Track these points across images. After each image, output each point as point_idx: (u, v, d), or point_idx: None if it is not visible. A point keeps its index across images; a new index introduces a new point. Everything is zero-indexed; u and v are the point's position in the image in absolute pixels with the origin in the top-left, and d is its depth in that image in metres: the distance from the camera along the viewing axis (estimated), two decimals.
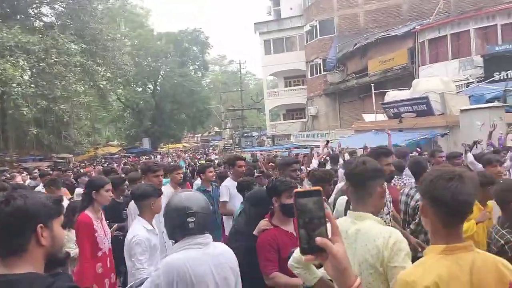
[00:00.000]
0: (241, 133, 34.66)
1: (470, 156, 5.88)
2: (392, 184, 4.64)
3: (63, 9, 25.77)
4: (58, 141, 25.71)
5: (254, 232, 2.93)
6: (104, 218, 3.88)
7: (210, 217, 2.36)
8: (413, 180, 4.65)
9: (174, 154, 28.01)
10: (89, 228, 3.59)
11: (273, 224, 2.86)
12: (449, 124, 11.93)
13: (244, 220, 3.27)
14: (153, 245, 3.17)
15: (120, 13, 37.84)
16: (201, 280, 2.12)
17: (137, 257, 3.01)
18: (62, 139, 26.00)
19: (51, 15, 26.41)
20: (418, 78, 17.26)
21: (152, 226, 3.29)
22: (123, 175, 7.19)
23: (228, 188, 5.18)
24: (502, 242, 2.51)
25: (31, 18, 26.53)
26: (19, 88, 18.57)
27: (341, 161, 8.07)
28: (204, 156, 27.95)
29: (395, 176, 4.98)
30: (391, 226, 2.96)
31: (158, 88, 44.93)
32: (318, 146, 10.15)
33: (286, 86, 33.92)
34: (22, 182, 11.10)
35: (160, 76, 44.48)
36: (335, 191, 4.54)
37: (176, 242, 2.27)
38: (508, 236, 2.51)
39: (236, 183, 4.66)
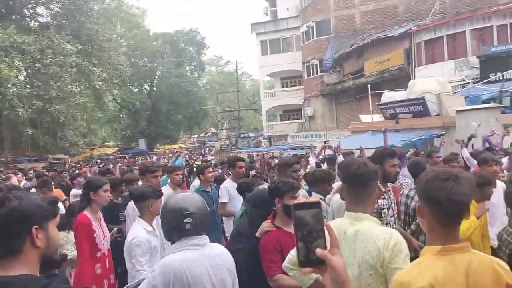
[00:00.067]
0: (238, 134, 34.61)
1: (466, 152, 5.90)
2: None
3: (58, 10, 25.68)
4: (53, 142, 25.57)
5: (257, 234, 2.90)
6: (102, 219, 3.87)
7: (207, 218, 2.36)
8: (409, 180, 4.66)
9: (170, 155, 27.93)
10: (88, 228, 3.58)
11: (275, 226, 2.85)
12: (445, 124, 11.95)
13: (246, 221, 3.25)
14: (153, 247, 3.15)
15: (116, 14, 37.74)
16: (198, 281, 2.12)
17: (137, 258, 3.00)
18: (58, 140, 25.85)
19: (47, 15, 26.35)
20: (414, 79, 17.31)
21: (153, 228, 3.28)
22: (119, 176, 7.15)
23: (228, 189, 5.16)
24: None
25: (27, 18, 26.42)
26: (15, 89, 18.48)
27: (338, 161, 8.06)
28: (200, 157, 27.88)
29: None
30: (396, 229, 2.93)
31: (154, 88, 44.84)
32: (315, 147, 10.15)
33: (283, 87, 33.96)
34: (17, 183, 11.04)
35: (156, 76, 44.42)
36: (332, 191, 4.54)
37: (173, 243, 2.26)
38: None
39: (236, 184, 4.63)
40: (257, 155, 21.26)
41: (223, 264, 2.24)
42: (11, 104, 18.72)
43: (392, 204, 3.31)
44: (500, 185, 4.00)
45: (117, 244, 3.87)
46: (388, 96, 15.81)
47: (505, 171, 5.36)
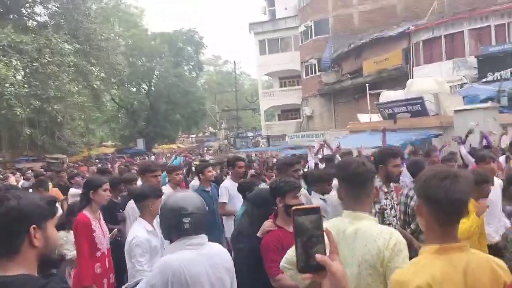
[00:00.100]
0: (236, 134, 34.63)
1: (463, 149, 5.92)
2: None
3: (56, 9, 25.59)
4: (51, 142, 25.53)
5: (258, 234, 2.89)
6: (102, 218, 3.87)
7: (206, 218, 2.35)
8: (407, 179, 4.67)
9: (168, 155, 27.88)
10: (87, 228, 3.58)
11: (277, 225, 2.84)
12: (443, 124, 11.97)
13: (247, 221, 3.25)
14: (154, 247, 3.14)
15: (114, 13, 37.67)
16: (196, 280, 2.12)
17: (137, 258, 2.99)
18: (56, 140, 25.81)
19: (45, 15, 26.23)
20: (412, 78, 17.33)
21: (153, 227, 3.27)
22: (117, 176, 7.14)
23: (228, 189, 5.16)
24: None
25: (24, 18, 26.33)
26: (12, 88, 18.41)
27: (336, 160, 8.07)
28: (199, 156, 27.82)
29: None
30: (397, 229, 2.93)
31: (153, 88, 44.72)
32: (313, 147, 10.14)
33: (281, 87, 33.95)
34: (15, 183, 11.02)
35: (154, 76, 44.30)
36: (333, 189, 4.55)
37: (171, 242, 2.26)
38: None
39: (236, 183, 4.63)
40: (255, 155, 21.25)
41: (221, 264, 2.25)
42: (9, 103, 18.65)
43: (395, 204, 3.32)
44: (498, 183, 4.02)
45: (117, 244, 3.88)
46: (386, 95, 15.82)
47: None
